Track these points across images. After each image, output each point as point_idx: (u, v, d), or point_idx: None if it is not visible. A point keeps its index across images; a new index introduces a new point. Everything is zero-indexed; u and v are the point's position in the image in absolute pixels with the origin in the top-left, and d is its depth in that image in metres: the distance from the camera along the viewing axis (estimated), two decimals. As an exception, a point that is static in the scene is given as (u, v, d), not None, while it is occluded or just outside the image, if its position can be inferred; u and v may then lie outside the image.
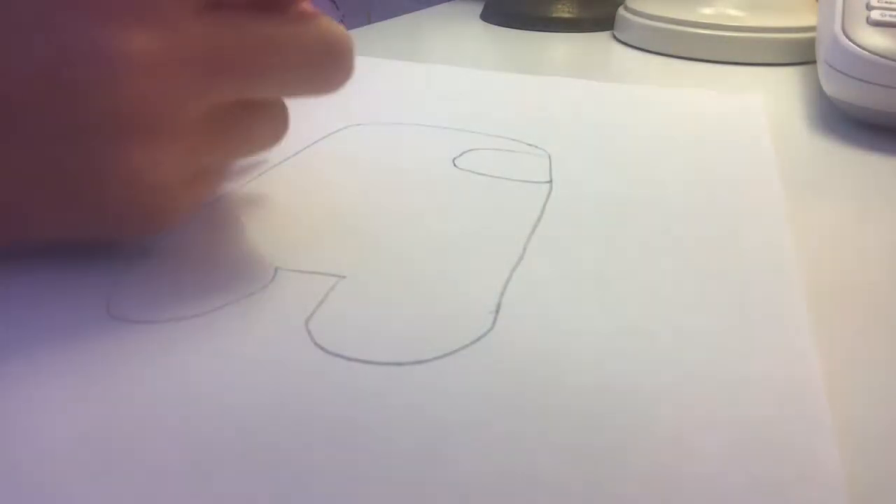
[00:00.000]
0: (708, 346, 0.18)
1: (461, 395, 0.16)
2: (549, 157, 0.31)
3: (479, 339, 0.19)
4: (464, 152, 0.31)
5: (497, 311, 0.20)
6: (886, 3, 0.37)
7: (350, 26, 0.65)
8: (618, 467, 0.15)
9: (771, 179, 0.29)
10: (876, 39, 0.35)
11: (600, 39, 0.60)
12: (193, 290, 0.20)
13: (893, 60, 0.34)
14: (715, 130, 0.35)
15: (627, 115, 0.38)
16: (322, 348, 0.18)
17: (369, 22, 0.66)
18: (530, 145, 0.33)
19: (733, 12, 0.51)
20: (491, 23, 0.65)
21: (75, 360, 0.17)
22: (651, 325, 0.19)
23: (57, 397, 0.16)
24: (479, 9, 0.69)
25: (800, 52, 0.51)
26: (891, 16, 0.36)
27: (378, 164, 0.30)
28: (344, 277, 0.21)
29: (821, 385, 0.17)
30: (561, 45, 0.58)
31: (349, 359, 0.18)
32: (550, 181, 0.29)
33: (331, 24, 0.21)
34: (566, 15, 0.62)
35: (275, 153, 0.30)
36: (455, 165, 0.30)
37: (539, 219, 0.25)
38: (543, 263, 0.22)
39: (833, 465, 0.15)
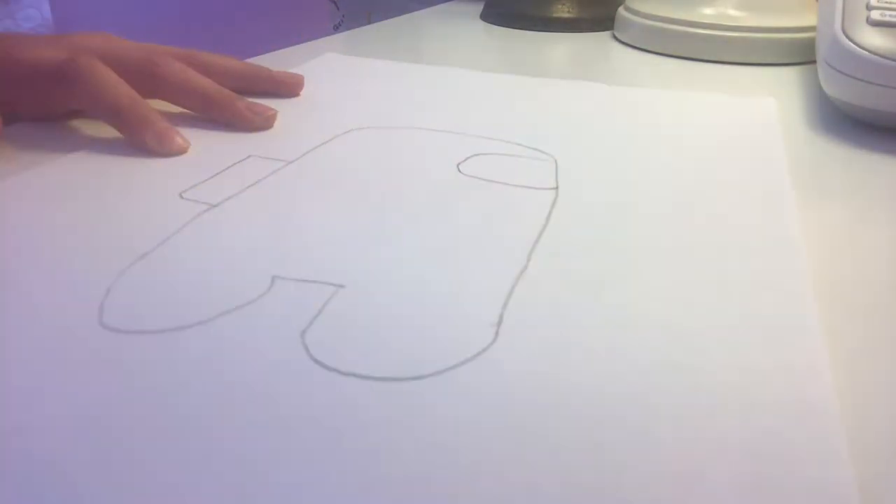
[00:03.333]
0: (719, 361, 0.18)
1: (461, 412, 0.16)
2: (556, 163, 0.31)
3: (480, 353, 0.18)
4: (468, 157, 0.31)
5: (499, 324, 0.19)
6: (886, 3, 0.36)
7: (350, 26, 0.65)
8: (624, 485, 0.14)
9: (784, 187, 0.29)
10: (876, 39, 0.35)
11: (600, 39, 0.60)
12: (187, 299, 0.20)
13: (893, 60, 0.34)
14: (727, 135, 0.35)
15: (636, 120, 0.37)
16: (318, 362, 0.18)
17: (369, 22, 0.66)
18: (536, 150, 0.32)
19: (733, 12, 0.51)
20: (491, 23, 0.65)
21: (65, 373, 0.17)
22: (660, 337, 0.19)
23: (46, 410, 0.16)
24: (479, 9, 0.69)
25: (800, 52, 0.50)
26: (891, 16, 0.36)
27: (381, 168, 0.30)
28: (343, 287, 0.21)
29: (833, 394, 0.17)
30: (561, 45, 0.58)
31: (346, 374, 0.17)
32: (556, 188, 0.28)
33: None
34: (566, 15, 0.62)
35: (276, 157, 0.30)
36: (460, 171, 0.30)
37: (544, 227, 0.25)
38: (548, 273, 0.22)
39: (845, 472, 0.15)
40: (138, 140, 0.31)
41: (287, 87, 0.40)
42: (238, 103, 0.34)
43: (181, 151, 0.31)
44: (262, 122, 0.34)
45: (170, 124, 0.31)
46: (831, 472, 0.15)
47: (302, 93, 0.40)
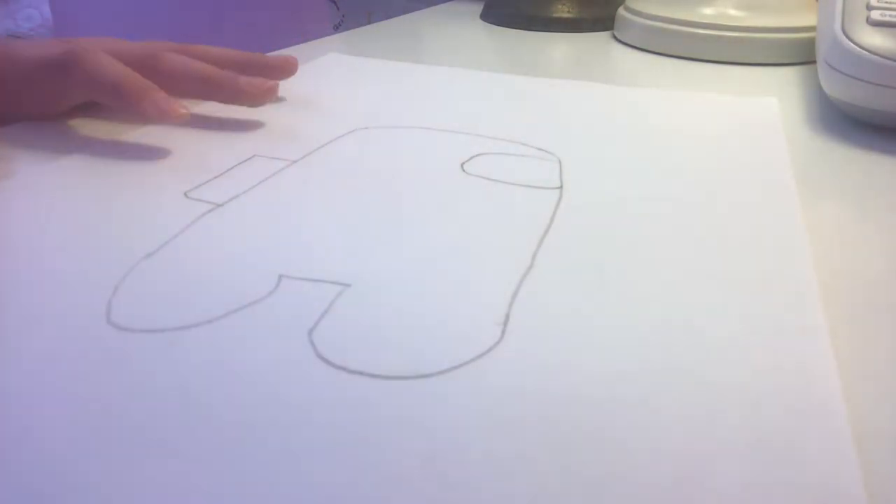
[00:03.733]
0: (725, 360, 0.18)
1: (467, 410, 0.16)
2: (560, 163, 0.31)
3: (486, 352, 0.18)
4: (473, 157, 0.31)
5: (505, 323, 0.20)
6: (886, 3, 0.37)
7: (350, 26, 0.65)
8: (631, 484, 0.14)
9: (787, 186, 0.29)
10: (876, 39, 0.35)
11: (600, 39, 0.60)
12: (194, 298, 0.20)
13: (893, 60, 0.34)
14: (730, 135, 0.35)
15: (639, 119, 0.37)
16: (325, 360, 0.18)
17: (369, 22, 0.66)
18: (540, 150, 0.32)
19: (733, 12, 0.51)
20: (491, 23, 0.65)
21: (74, 371, 0.17)
22: (666, 335, 0.19)
23: (54, 408, 0.16)
24: (479, 9, 0.69)
25: (800, 52, 0.51)
26: (891, 16, 0.36)
27: (386, 168, 0.30)
28: (349, 286, 0.21)
29: (839, 392, 0.17)
30: (561, 45, 0.58)
31: (352, 372, 0.17)
32: (561, 187, 0.28)
33: None
34: (566, 15, 0.62)
35: (280, 157, 0.31)
36: (464, 170, 0.30)
37: (549, 226, 0.25)
38: (553, 272, 0.22)
39: (852, 470, 0.15)
40: (139, 110, 0.31)
41: (281, 70, 0.40)
42: (239, 79, 0.35)
43: (182, 119, 0.31)
44: (264, 95, 0.35)
45: (169, 96, 0.32)
46: (838, 470, 0.15)
47: (305, 93, 0.40)
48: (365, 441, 0.15)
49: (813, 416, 0.16)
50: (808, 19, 0.50)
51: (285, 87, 0.40)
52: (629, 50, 0.56)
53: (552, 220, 0.26)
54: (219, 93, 0.35)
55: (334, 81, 0.43)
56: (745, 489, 0.14)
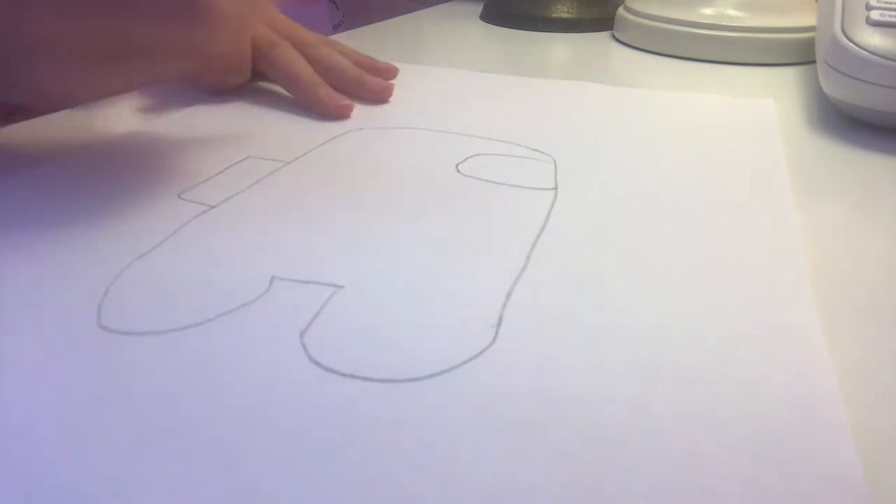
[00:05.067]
0: (718, 360, 0.18)
1: (459, 413, 0.16)
2: (555, 163, 0.31)
3: (479, 353, 0.18)
4: (467, 157, 0.31)
5: (498, 325, 0.19)
6: (886, 3, 0.36)
7: (350, 26, 0.65)
8: (625, 486, 0.14)
9: (782, 188, 0.29)
10: (875, 39, 0.35)
11: (600, 39, 0.60)
12: (186, 300, 0.20)
13: (893, 60, 0.34)
14: (726, 136, 0.35)
15: (635, 120, 0.37)
16: (317, 363, 0.18)
17: (369, 22, 0.66)
18: (536, 151, 0.32)
19: (733, 12, 0.51)
20: (491, 23, 0.65)
21: (63, 374, 0.17)
22: (659, 336, 0.19)
23: (44, 411, 0.16)
24: (479, 9, 0.69)
25: (800, 52, 0.50)
26: (890, 16, 0.36)
27: (379, 169, 0.30)
28: (342, 287, 0.21)
29: (837, 388, 0.17)
30: (561, 46, 0.58)
31: (344, 375, 0.17)
32: (556, 188, 0.28)
33: None
34: (566, 15, 0.62)
35: (274, 158, 0.31)
36: (459, 171, 0.30)
37: (543, 227, 0.25)
38: (547, 274, 0.22)
39: (854, 469, 0.15)
40: (311, 101, 0.37)
41: (388, 73, 0.42)
42: (369, 79, 0.39)
43: (346, 112, 0.36)
44: (386, 92, 0.39)
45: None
46: (840, 469, 0.15)
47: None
48: (356, 444, 0.15)
49: (810, 414, 0.16)
50: (808, 19, 0.50)
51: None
52: (628, 50, 0.56)
53: (546, 220, 0.25)
54: (359, 90, 0.39)
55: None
56: (743, 489, 0.14)
